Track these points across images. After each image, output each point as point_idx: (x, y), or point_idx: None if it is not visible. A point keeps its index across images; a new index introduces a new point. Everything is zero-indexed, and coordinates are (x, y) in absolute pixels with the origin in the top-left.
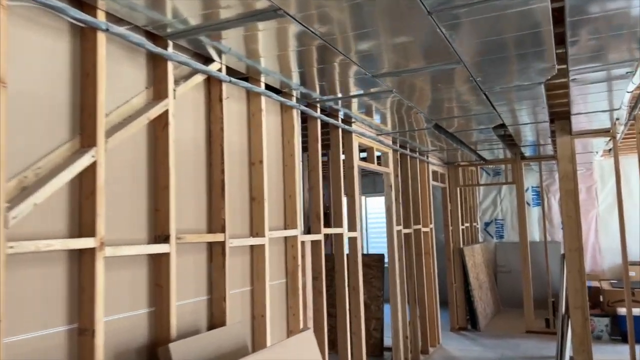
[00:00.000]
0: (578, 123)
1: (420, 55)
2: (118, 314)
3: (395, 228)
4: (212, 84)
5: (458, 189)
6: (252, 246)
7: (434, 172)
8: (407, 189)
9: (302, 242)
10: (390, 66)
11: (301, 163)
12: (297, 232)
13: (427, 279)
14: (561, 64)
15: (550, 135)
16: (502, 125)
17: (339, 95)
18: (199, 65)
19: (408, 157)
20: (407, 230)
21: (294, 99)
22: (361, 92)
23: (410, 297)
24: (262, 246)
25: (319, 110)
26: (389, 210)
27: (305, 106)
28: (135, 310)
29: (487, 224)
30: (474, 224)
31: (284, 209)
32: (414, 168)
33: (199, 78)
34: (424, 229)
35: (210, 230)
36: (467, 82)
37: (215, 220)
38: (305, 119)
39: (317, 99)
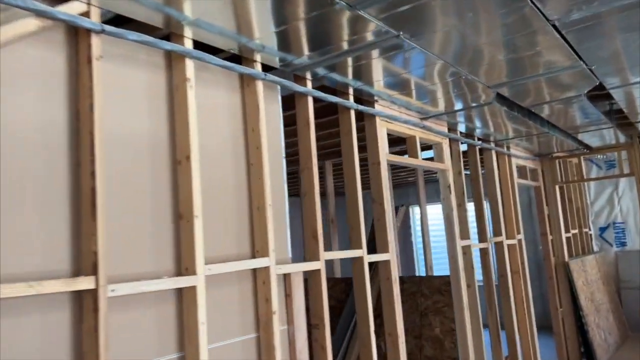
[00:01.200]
0: None
1: None
2: None
3: (460, 243)
4: (80, 36)
5: (557, 187)
6: (179, 290)
7: (521, 168)
8: (479, 190)
9: (286, 276)
10: None
11: (284, 161)
12: (269, 261)
13: (517, 306)
14: None
15: None
16: (608, 96)
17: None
18: (41, 5)
19: (477, 148)
20: (482, 245)
21: (272, 68)
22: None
23: (492, 332)
24: (192, 289)
25: (309, 84)
26: (448, 220)
27: (291, 79)
28: None
29: (602, 229)
30: (585, 230)
31: (249, 229)
32: (489, 163)
33: (38, 24)
34: (508, 242)
35: (76, 271)
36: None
37: (83, 255)
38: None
39: (303, 65)
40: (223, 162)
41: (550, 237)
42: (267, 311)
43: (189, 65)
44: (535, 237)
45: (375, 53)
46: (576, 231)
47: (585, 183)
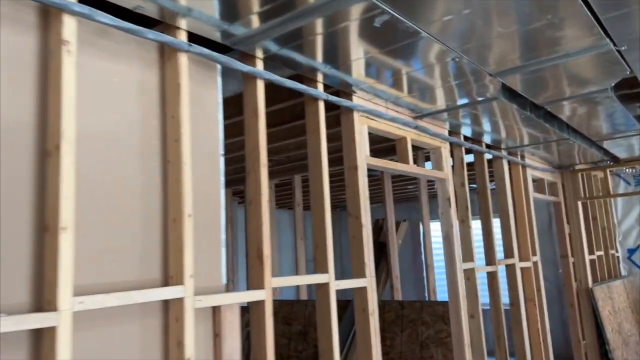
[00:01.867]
0: None
1: None
2: None
3: (460, 266)
4: None
5: (580, 203)
6: (33, 331)
7: (538, 180)
8: (487, 204)
9: (215, 310)
10: None
11: (222, 160)
12: (184, 290)
13: (531, 339)
14: None
15: None
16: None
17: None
18: None
19: (485, 156)
20: (489, 269)
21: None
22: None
23: None
24: (50, 332)
25: (260, 64)
26: (447, 239)
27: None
28: None
29: (631, 251)
30: (611, 251)
31: (161, 247)
32: (500, 173)
33: None
34: (522, 264)
35: None
36: None
37: None
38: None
39: (250, 37)
40: (124, 157)
41: (571, 260)
42: (179, 359)
43: (69, 23)
44: (556, 258)
45: (353, 27)
46: (601, 253)
47: (612, 200)
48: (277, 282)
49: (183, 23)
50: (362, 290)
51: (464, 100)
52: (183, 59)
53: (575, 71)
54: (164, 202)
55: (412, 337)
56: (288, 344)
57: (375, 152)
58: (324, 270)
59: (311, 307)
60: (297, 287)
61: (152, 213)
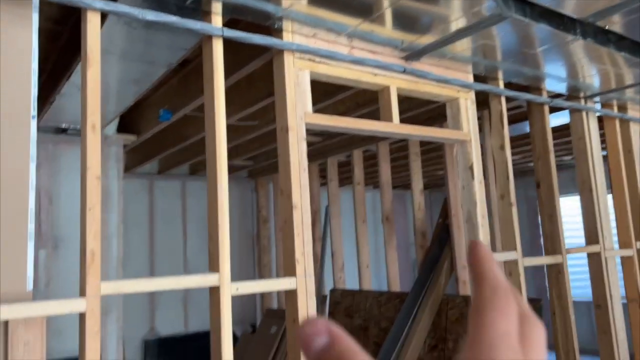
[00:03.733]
0: None
1: None
2: None
3: (496, 257)
4: None
5: None
6: None
7: None
8: (550, 174)
9: (8, 325)
10: None
11: (34, 124)
12: None
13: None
14: None
15: None
16: None
17: None
18: None
19: (545, 107)
20: (550, 260)
21: None
22: None
23: None
24: None
25: None
26: (469, 221)
27: None
28: None
29: None
30: None
31: None
32: (579, 129)
33: None
34: (622, 252)
35: None
36: None
37: None
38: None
39: None
40: None
41: None
42: None
43: None
44: None
45: None
46: None
47: None
48: (109, 288)
49: None
50: (292, 295)
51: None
52: None
53: None
54: None
55: None
56: None
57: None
58: (215, 268)
59: (372, 299)
60: (359, 275)
61: None
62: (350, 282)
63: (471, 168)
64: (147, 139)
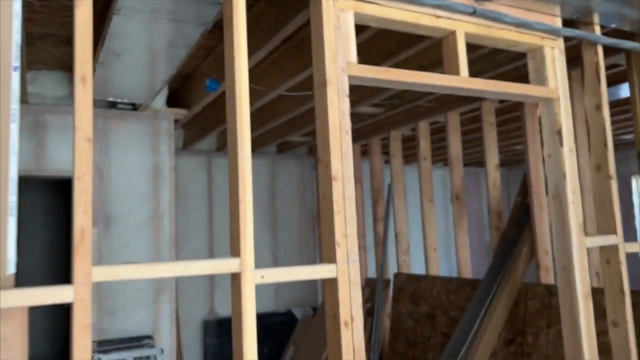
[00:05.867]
0: None
1: None
2: None
3: (581, 241)
4: None
5: None
6: None
7: None
8: None
9: None
10: None
11: (16, 75)
12: None
13: None
14: None
15: None
16: None
17: None
18: None
19: None
20: None
21: None
22: None
23: None
24: None
25: None
26: (556, 196)
27: None
28: None
29: None
30: None
31: None
32: None
33: None
34: None
35: None
36: None
37: None
38: None
39: None
40: None
41: None
42: None
43: None
44: None
45: None
46: None
47: None
48: (100, 275)
49: None
50: (331, 284)
51: None
52: None
53: None
54: None
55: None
56: (414, 327)
57: None
58: (236, 252)
59: (439, 285)
60: (426, 258)
61: None
62: (417, 267)
63: (559, 133)
64: (203, 113)
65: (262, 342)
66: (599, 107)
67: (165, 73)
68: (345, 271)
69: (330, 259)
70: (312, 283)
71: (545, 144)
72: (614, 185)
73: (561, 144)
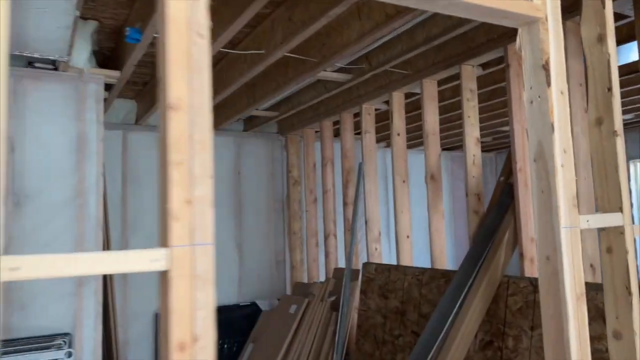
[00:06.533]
0: None
1: None
2: None
3: (579, 219)
4: None
5: None
6: None
7: None
8: None
9: None
10: None
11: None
12: None
13: None
14: None
15: None
16: None
17: None
18: None
19: None
20: None
21: None
22: None
23: None
24: None
25: None
26: (539, 160)
27: None
28: None
29: None
30: None
31: None
32: None
33: None
34: None
35: None
36: None
37: None
38: None
39: None
40: None
41: None
42: None
43: None
44: None
45: None
46: None
47: None
48: None
49: None
50: (163, 280)
51: None
52: None
53: None
54: None
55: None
56: (384, 324)
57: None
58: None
59: (411, 277)
60: (397, 246)
61: None
62: (394, 257)
63: (545, 67)
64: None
65: (222, 338)
66: (601, 39)
67: (67, 14)
68: (186, 260)
69: (163, 240)
70: (281, 271)
71: (526, 85)
72: (621, 145)
73: (548, 83)
